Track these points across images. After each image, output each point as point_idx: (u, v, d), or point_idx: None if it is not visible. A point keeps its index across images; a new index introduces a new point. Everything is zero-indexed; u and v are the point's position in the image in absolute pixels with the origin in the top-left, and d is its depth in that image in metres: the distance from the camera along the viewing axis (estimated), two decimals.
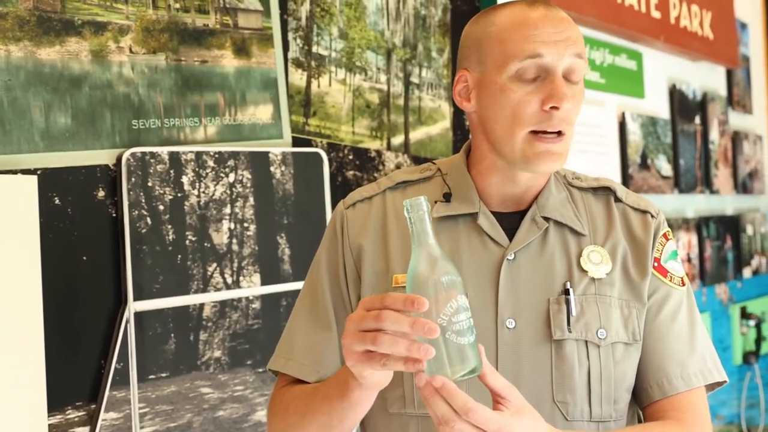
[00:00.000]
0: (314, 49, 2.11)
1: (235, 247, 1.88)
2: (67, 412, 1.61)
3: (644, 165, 3.29)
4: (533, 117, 1.22)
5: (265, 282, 1.93)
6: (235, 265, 1.88)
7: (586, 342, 1.25)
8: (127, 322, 1.69)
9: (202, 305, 1.81)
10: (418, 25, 2.40)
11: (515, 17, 1.24)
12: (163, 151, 1.76)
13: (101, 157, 1.68)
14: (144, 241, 1.72)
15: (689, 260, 3.56)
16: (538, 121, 1.22)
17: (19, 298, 1.51)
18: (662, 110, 3.49)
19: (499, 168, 1.28)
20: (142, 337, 1.71)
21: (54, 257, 1.59)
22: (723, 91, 4.02)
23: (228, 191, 1.87)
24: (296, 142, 2.04)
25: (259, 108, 1.96)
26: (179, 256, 1.78)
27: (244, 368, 1.88)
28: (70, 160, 1.63)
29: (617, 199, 1.35)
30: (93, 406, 1.64)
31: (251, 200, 1.91)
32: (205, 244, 1.82)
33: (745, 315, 3.99)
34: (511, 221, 1.29)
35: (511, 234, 1.28)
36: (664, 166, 3.43)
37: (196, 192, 1.81)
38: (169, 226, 1.77)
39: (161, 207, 1.75)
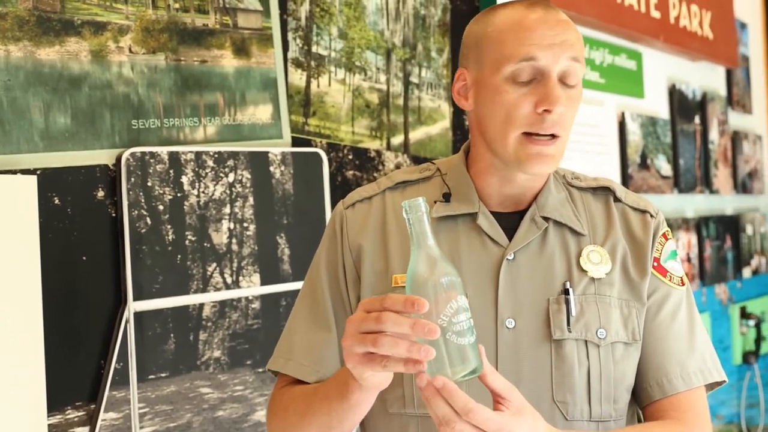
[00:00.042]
0: (314, 49, 2.11)
1: (234, 247, 1.88)
2: (67, 412, 1.61)
3: (644, 165, 3.30)
4: (526, 119, 1.22)
5: (264, 282, 1.93)
6: (235, 265, 1.88)
7: (586, 342, 1.25)
8: (127, 322, 1.69)
9: (201, 305, 1.81)
10: (417, 25, 2.40)
11: (512, 18, 1.24)
12: (163, 151, 1.76)
13: (101, 157, 1.68)
14: (144, 241, 1.72)
15: (689, 260, 3.56)
16: (531, 124, 1.22)
17: (19, 298, 1.51)
18: (662, 110, 3.49)
19: (496, 168, 1.28)
20: (141, 337, 1.71)
21: (54, 257, 1.59)
22: (723, 91, 4.02)
23: (227, 191, 1.87)
24: (296, 142, 2.04)
25: (258, 108, 1.96)
26: (179, 256, 1.78)
27: (243, 368, 1.88)
28: (69, 160, 1.63)
29: (616, 199, 1.35)
30: (93, 406, 1.64)
31: (251, 200, 1.91)
32: (205, 244, 1.82)
33: (744, 315, 3.99)
34: (510, 221, 1.29)
35: (510, 234, 1.28)
36: (664, 166, 3.43)
37: (195, 192, 1.81)
38: (169, 226, 1.77)
39: (161, 207, 1.75)
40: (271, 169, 1.96)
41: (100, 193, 1.68)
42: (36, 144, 1.58)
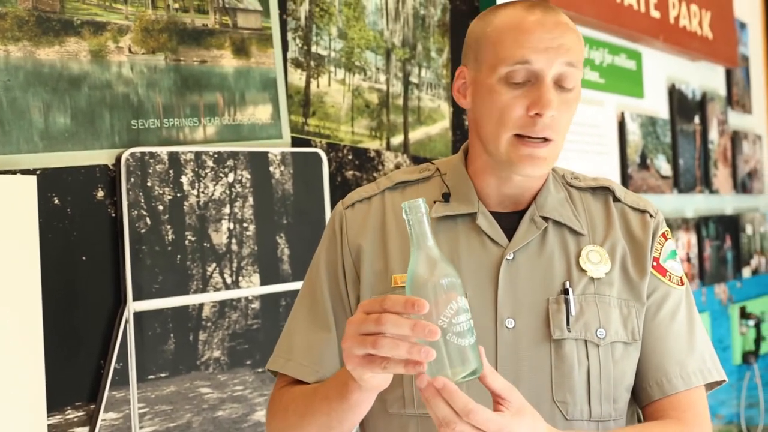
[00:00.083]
0: (313, 49, 2.11)
1: (234, 247, 1.88)
2: (67, 413, 1.61)
3: (643, 165, 3.30)
4: (518, 121, 1.22)
5: (264, 282, 1.93)
6: (235, 265, 1.88)
7: (586, 341, 1.25)
8: (127, 322, 1.69)
9: (201, 305, 1.81)
10: (417, 25, 2.40)
11: (511, 19, 1.24)
12: (163, 151, 1.76)
13: (100, 157, 1.68)
14: (143, 241, 1.72)
15: (689, 260, 3.56)
16: (522, 126, 1.22)
17: (19, 299, 1.51)
18: (661, 110, 3.49)
19: (492, 167, 1.29)
20: (141, 337, 1.71)
21: (53, 257, 1.59)
22: (722, 91, 4.02)
23: (227, 191, 1.87)
24: (295, 142, 2.04)
25: (258, 108, 1.96)
26: (178, 256, 1.78)
27: (243, 368, 1.88)
28: (69, 160, 1.63)
29: (616, 199, 1.35)
30: (92, 406, 1.64)
31: (250, 200, 1.91)
32: (205, 244, 1.82)
33: (744, 315, 3.99)
34: (510, 221, 1.30)
35: (510, 234, 1.29)
36: (664, 166, 3.43)
37: (195, 192, 1.81)
38: (169, 226, 1.77)
39: (160, 207, 1.75)
40: (271, 169, 1.96)
41: (100, 193, 1.68)
42: (36, 144, 1.58)
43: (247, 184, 1.91)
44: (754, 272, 4.25)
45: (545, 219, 1.30)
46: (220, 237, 1.85)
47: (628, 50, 3.24)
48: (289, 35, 2.05)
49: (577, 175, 1.38)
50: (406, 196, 1.33)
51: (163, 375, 1.74)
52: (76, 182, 1.63)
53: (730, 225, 3.99)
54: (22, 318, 1.52)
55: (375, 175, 2.23)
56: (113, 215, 1.69)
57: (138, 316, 1.71)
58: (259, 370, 1.90)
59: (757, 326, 3.99)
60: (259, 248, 1.92)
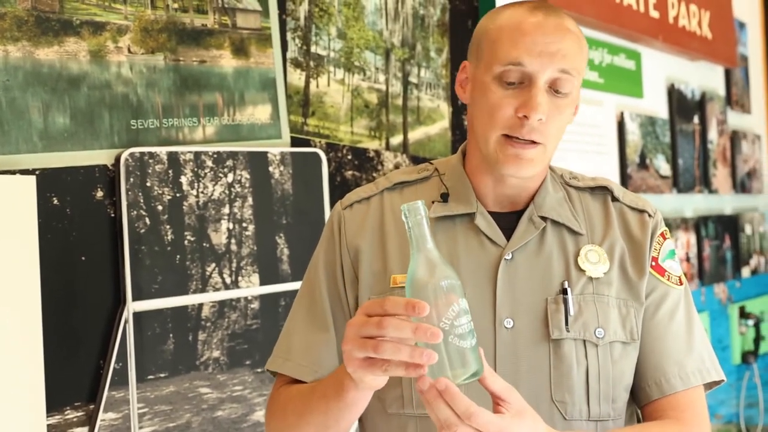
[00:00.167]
0: (313, 49, 2.11)
1: (233, 247, 1.88)
2: (66, 413, 1.61)
3: (643, 165, 3.30)
4: (506, 121, 1.22)
5: (263, 282, 1.93)
6: (234, 265, 1.88)
7: (584, 341, 1.25)
8: (126, 322, 1.69)
9: (200, 305, 1.81)
10: (416, 25, 2.40)
11: (512, 20, 1.24)
12: (162, 151, 1.76)
13: (100, 157, 1.68)
14: (143, 241, 1.72)
15: (688, 260, 3.56)
16: (510, 127, 1.22)
17: (18, 299, 1.51)
18: (661, 110, 3.49)
19: (487, 166, 1.29)
20: (140, 337, 1.71)
21: (53, 257, 1.59)
22: (721, 91, 4.02)
23: (227, 191, 1.87)
24: (295, 142, 2.04)
25: (257, 108, 1.96)
26: (178, 256, 1.78)
27: (242, 368, 1.88)
28: (68, 161, 1.63)
29: (614, 199, 1.35)
30: (92, 407, 1.65)
31: (250, 200, 1.91)
32: (204, 245, 1.82)
33: (743, 314, 3.99)
34: (508, 221, 1.30)
35: (508, 234, 1.29)
36: (663, 166, 3.44)
37: (194, 192, 1.81)
38: (168, 227, 1.77)
39: (160, 207, 1.76)
40: (270, 169, 1.96)
41: (99, 194, 1.68)
42: (35, 144, 1.58)
43: (247, 184, 1.91)
44: (754, 272, 4.25)
45: (543, 219, 1.30)
46: (219, 237, 1.85)
47: (627, 50, 3.24)
48: (289, 35, 2.05)
49: (575, 174, 1.38)
50: (405, 197, 1.33)
51: (162, 375, 1.74)
52: (75, 182, 1.63)
53: (729, 225, 3.99)
54: (21, 318, 1.52)
55: (374, 175, 2.23)
56: (112, 215, 1.69)
57: (137, 316, 1.71)
58: (259, 370, 1.90)
59: (757, 326, 4.00)
60: (258, 248, 1.92)
